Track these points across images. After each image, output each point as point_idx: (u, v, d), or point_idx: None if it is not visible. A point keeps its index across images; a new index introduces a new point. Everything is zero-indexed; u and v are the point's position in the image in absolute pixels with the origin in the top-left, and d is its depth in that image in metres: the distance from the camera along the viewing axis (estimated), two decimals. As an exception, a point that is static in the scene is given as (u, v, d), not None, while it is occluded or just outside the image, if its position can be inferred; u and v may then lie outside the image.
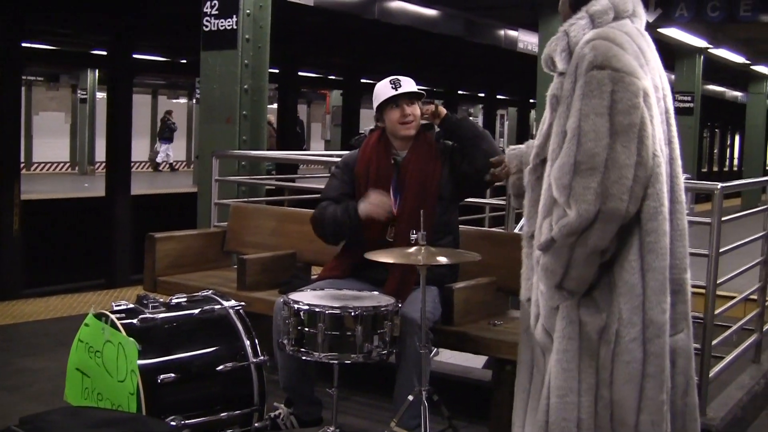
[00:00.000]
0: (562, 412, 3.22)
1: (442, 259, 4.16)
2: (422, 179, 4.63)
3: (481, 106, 35.90)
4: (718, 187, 4.78)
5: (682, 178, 3.35)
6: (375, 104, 4.73)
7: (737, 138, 47.72)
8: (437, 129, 4.79)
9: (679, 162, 3.33)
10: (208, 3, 7.33)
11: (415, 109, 4.67)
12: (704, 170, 43.05)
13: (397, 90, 4.64)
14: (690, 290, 3.40)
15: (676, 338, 3.33)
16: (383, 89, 4.68)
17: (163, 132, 31.42)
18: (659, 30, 15.66)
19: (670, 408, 3.31)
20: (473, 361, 6.35)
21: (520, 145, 3.86)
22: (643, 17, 3.35)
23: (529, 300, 3.46)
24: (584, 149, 3.04)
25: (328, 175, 7.13)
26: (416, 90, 4.69)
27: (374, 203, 4.55)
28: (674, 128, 3.34)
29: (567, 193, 3.06)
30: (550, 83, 3.32)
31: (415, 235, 4.11)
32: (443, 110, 4.66)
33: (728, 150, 52.14)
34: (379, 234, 4.60)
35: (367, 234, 4.62)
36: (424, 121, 4.74)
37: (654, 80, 3.23)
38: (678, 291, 3.32)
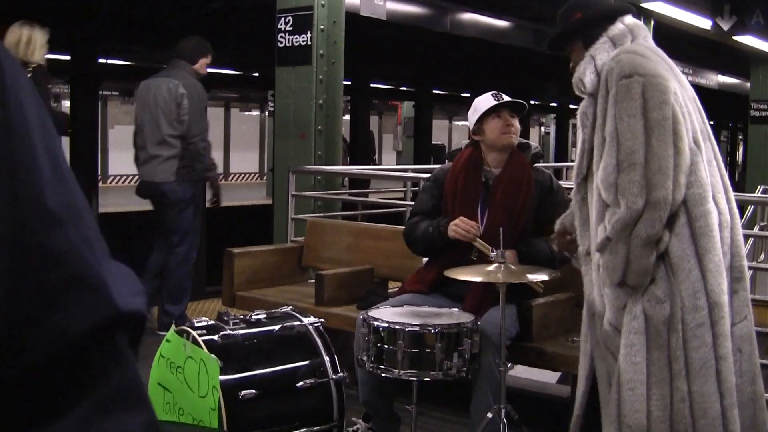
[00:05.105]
0: (634, 404, 3.30)
1: (523, 278, 4.15)
2: (512, 200, 4.59)
3: (553, 116, 35.76)
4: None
5: (725, 172, 3.51)
6: (475, 117, 4.68)
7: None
8: (534, 150, 4.79)
9: (719, 156, 3.51)
10: (282, 19, 7.37)
11: (516, 122, 4.67)
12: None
13: (499, 101, 4.64)
14: (748, 277, 3.53)
15: (740, 326, 3.44)
16: (484, 101, 4.67)
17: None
18: (734, 38, 15.46)
19: (738, 396, 3.36)
20: (547, 376, 6.33)
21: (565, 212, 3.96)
22: (653, 44, 3.60)
23: (593, 314, 3.55)
24: (623, 148, 3.24)
25: (402, 189, 7.20)
26: (520, 101, 4.69)
27: (461, 227, 4.52)
28: (707, 125, 3.52)
29: (614, 191, 3.25)
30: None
31: (495, 253, 4.10)
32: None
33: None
34: (463, 253, 4.57)
35: (451, 253, 4.61)
36: (522, 140, 4.76)
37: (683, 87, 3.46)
38: (740, 278, 3.45)
